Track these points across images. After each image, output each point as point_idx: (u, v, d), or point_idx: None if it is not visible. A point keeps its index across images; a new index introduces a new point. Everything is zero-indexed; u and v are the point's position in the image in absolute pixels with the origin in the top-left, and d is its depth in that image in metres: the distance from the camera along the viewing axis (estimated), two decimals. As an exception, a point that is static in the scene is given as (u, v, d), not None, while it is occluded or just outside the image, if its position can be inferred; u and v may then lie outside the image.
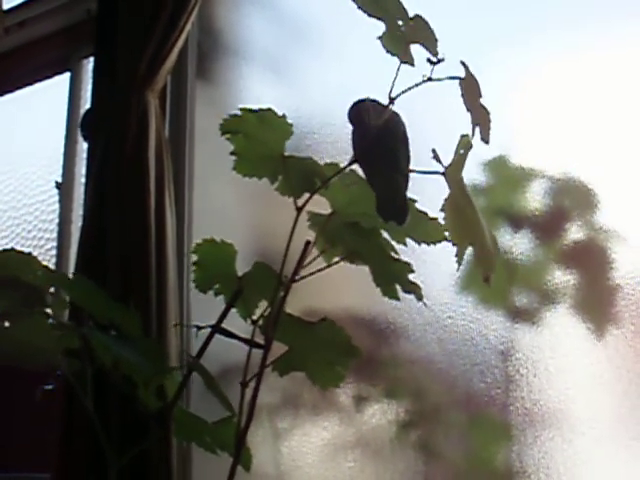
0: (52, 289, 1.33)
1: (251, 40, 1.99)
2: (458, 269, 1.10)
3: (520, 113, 1.61)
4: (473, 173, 1.61)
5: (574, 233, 1.55)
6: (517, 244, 1.57)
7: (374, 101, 1.17)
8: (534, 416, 1.47)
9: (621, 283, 1.47)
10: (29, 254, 1.27)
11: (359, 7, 1.18)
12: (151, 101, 1.75)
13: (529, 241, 1.57)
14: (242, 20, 2.01)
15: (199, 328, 1.27)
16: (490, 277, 1.10)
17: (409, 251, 1.37)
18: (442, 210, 1.11)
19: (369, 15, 1.18)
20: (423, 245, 1.27)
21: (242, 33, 2.01)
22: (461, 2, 1.69)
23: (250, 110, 1.24)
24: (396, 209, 1.15)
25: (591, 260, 1.53)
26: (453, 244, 1.12)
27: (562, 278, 1.52)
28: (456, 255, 1.11)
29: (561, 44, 1.58)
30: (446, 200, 1.11)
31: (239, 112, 1.25)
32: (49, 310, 1.28)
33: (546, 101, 1.59)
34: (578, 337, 1.49)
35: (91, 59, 2.02)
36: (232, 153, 1.27)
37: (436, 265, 1.54)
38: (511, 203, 1.61)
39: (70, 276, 1.61)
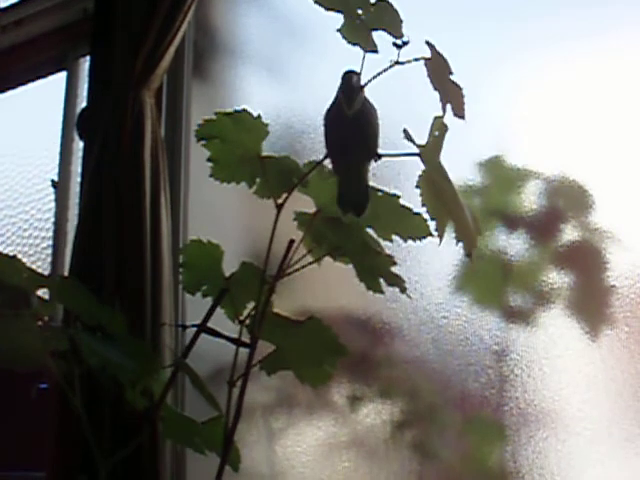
0: (40, 291, 1.33)
1: (247, 40, 1.99)
2: (440, 244, 1.10)
3: (515, 114, 1.61)
4: (468, 173, 1.61)
5: (569, 234, 1.55)
6: (512, 244, 1.57)
7: (352, 80, 1.16)
8: (528, 416, 1.47)
9: (616, 284, 1.47)
10: (13, 257, 1.27)
11: (315, 2, 1.17)
12: (147, 100, 1.75)
13: (524, 241, 1.57)
14: (238, 20, 2.01)
15: (184, 327, 1.27)
16: (472, 252, 1.10)
17: (403, 251, 1.38)
18: (417, 186, 1.11)
19: (327, 9, 1.17)
20: (414, 243, 1.26)
21: (238, 33, 2.01)
22: (457, 4, 1.70)
23: (224, 113, 1.24)
24: (356, 200, 1.16)
25: (586, 261, 1.53)
26: (431, 218, 1.12)
27: (557, 278, 1.52)
28: (436, 229, 1.11)
29: (556, 46, 1.58)
30: (421, 176, 1.11)
31: (214, 117, 1.24)
32: (35, 312, 1.28)
33: (541, 102, 1.59)
34: (573, 337, 1.49)
35: (87, 58, 2.02)
36: (208, 159, 1.27)
37: (431, 265, 1.54)
38: (506, 203, 1.61)
39: (56, 278, 1.60)
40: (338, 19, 1.19)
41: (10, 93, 2.38)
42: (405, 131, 1.09)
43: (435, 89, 1.12)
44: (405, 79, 1.20)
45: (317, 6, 1.17)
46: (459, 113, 1.14)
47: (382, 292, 1.27)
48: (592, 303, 1.51)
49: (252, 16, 2.01)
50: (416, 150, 1.11)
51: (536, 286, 1.54)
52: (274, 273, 1.23)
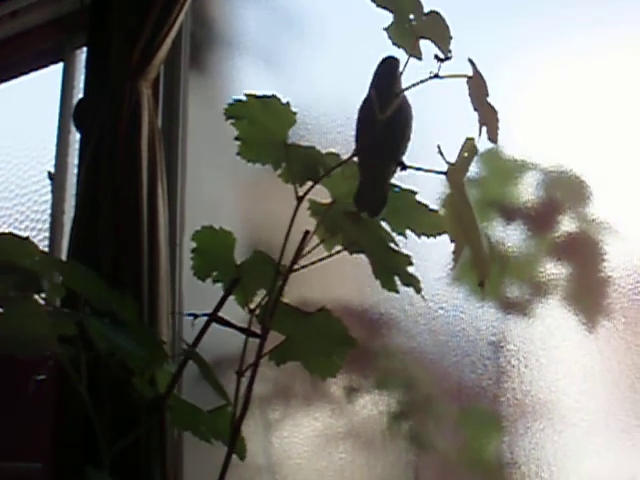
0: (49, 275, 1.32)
1: (245, 31, 1.99)
2: (454, 267, 1.10)
3: (513, 105, 1.60)
4: (466, 165, 1.61)
5: (566, 225, 1.55)
6: (509, 236, 1.57)
7: (389, 79, 1.14)
8: (525, 407, 1.48)
9: (613, 275, 1.47)
10: (26, 238, 1.26)
11: None
12: (144, 91, 1.75)
13: (521, 233, 1.57)
14: (236, 11, 2.01)
15: (195, 316, 1.27)
16: (484, 282, 1.10)
17: (400, 243, 1.37)
18: (443, 206, 1.11)
19: (377, 5, 1.16)
20: (410, 233, 1.26)
21: (236, 24, 2.00)
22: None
23: (255, 96, 1.24)
24: (374, 201, 1.15)
25: (583, 252, 1.53)
26: (451, 241, 1.12)
27: (554, 270, 1.52)
28: (453, 252, 1.10)
29: (554, 39, 1.58)
30: (447, 198, 1.10)
31: (244, 97, 1.24)
32: (44, 295, 1.27)
33: (539, 93, 1.59)
34: (570, 329, 1.49)
35: (84, 49, 2.01)
36: (237, 138, 1.27)
37: (428, 256, 1.54)
38: (504, 195, 1.61)
39: (67, 262, 1.60)
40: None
41: (6, 85, 2.38)
42: (439, 147, 1.08)
43: (475, 109, 1.11)
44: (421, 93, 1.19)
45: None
46: (492, 137, 1.12)
47: (397, 291, 1.26)
48: (589, 294, 1.51)
49: (250, 7, 2.00)
50: (442, 166, 1.10)
51: (533, 277, 1.54)
52: (284, 263, 1.23)
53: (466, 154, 1.09)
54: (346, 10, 1.76)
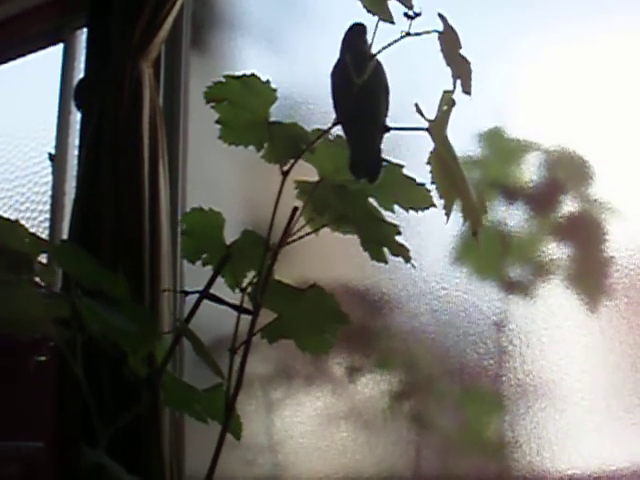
0: (43, 257, 1.32)
1: (246, 11, 1.98)
2: (447, 222, 1.09)
3: (515, 85, 1.60)
4: (468, 144, 1.60)
5: (568, 205, 1.55)
6: (511, 216, 1.57)
7: (360, 43, 1.14)
8: (526, 387, 1.48)
9: (615, 255, 1.47)
10: (15, 221, 1.26)
11: None
12: (145, 70, 1.74)
13: (523, 213, 1.57)
14: (237, -9, 2.00)
15: (186, 293, 1.26)
16: (478, 231, 1.10)
17: (403, 222, 1.37)
18: (428, 163, 1.10)
19: None
20: (414, 213, 1.25)
21: (237, 4, 2.00)
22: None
23: (234, 77, 1.22)
24: (369, 165, 1.15)
25: (585, 232, 1.53)
26: (440, 197, 1.11)
27: (556, 250, 1.52)
28: (444, 207, 1.10)
29: (558, 22, 1.57)
30: (431, 153, 1.10)
31: (222, 79, 1.23)
32: (37, 278, 1.27)
33: (541, 74, 1.59)
34: (571, 309, 1.49)
35: (84, 30, 2.00)
36: (217, 122, 1.26)
37: (430, 236, 1.54)
38: (506, 175, 1.61)
39: (57, 243, 1.60)
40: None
41: (6, 66, 2.37)
42: (416, 105, 1.07)
43: (447, 64, 1.10)
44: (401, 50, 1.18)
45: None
46: (466, 89, 1.12)
47: (386, 262, 1.25)
48: (591, 274, 1.51)
49: (251, -13, 1.99)
50: (424, 124, 1.09)
51: (535, 257, 1.54)
52: (275, 241, 1.22)
53: (445, 107, 1.09)
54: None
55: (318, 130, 1.24)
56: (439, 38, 1.10)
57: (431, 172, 1.09)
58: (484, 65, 1.36)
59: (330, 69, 1.18)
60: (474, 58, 1.15)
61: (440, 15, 1.11)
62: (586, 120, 1.53)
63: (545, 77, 1.58)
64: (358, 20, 1.16)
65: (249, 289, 1.24)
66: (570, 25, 1.57)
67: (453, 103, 1.09)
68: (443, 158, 1.09)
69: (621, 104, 1.51)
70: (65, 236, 1.82)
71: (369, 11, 1.12)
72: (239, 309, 1.23)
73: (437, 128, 1.09)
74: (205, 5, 1.98)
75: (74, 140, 2.10)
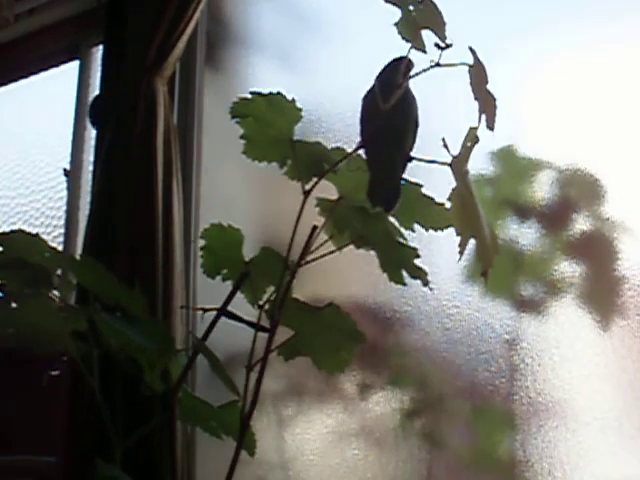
0: (59, 271, 1.33)
1: (260, 29, 1.99)
2: (459, 260, 1.10)
3: (528, 104, 1.60)
4: (481, 163, 1.61)
5: (581, 224, 1.55)
6: (524, 234, 1.57)
7: (393, 71, 1.15)
8: (538, 405, 1.47)
9: (627, 274, 1.47)
10: (36, 235, 1.27)
11: None
12: (160, 88, 1.76)
13: (536, 231, 1.57)
14: (251, 9, 2.01)
15: (205, 310, 1.27)
16: (487, 272, 1.10)
17: (416, 239, 1.37)
18: (449, 199, 1.11)
19: (385, 1, 1.16)
20: (430, 232, 1.26)
21: (251, 22, 2.01)
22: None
23: (260, 94, 1.24)
24: (387, 196, 1.15)
25: (597, 251, 1.53)
26: (457, 234, 1.11)
27: (568, 268, 1.52)
28: (459, 245, 1.10)
29: (570, 36, 1.58)
30: (453, 191, 1.10)
31: (249, 95, 1.24)
32: (56, 292, 1.28)
33: (554, 92, 1.59)
34: (583, 327, 1.49)
35: (100, 47, 2.02)
36: (242, 137, 1.27)
37: (442, 254, 1.54)
38: (518, 193, 1.61)
39: (77, 258, 1.61)
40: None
41: (23, 82, 2.39)
42: (443, 140, 1.07)
43: (475, 98, 1.10)
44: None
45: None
46: (490, 124, 1.12)
47: (404, 284, 1.26)
48: (603, 293, 1.50)
49: (265, 6, 2.01)
50: (448, 159, 1.10)
51: (547, 276, 1.54)
52: (293, 258, 1.23)
53: (469, 143, 1.09)
54: (361, 7, 1.76)
55: (339, 149, 1.25)
56: (469, 71, 1.10)
57: (451, 210, 1.09)
58: (496, 84, 1.37)
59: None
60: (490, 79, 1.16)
61: (470, 48, 1.11)
62: (598, 139, 1.54)
63: (558, 96, 1.59)
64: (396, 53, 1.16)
65: (266, 306, 1.25)
66: (582, 44, 1.58)
67: (477, 140, 1.09)
68: (461, 194, 1.09)
69: (634, 122, 1.52)
70: (79, 251, 1.83)
71: (404, 38, 1.13)
72: (256, 327, 1.23)
73: (459, 164, 1.09)
74: (219, 23, 2.00)
75: (89, 156, 2.11)
